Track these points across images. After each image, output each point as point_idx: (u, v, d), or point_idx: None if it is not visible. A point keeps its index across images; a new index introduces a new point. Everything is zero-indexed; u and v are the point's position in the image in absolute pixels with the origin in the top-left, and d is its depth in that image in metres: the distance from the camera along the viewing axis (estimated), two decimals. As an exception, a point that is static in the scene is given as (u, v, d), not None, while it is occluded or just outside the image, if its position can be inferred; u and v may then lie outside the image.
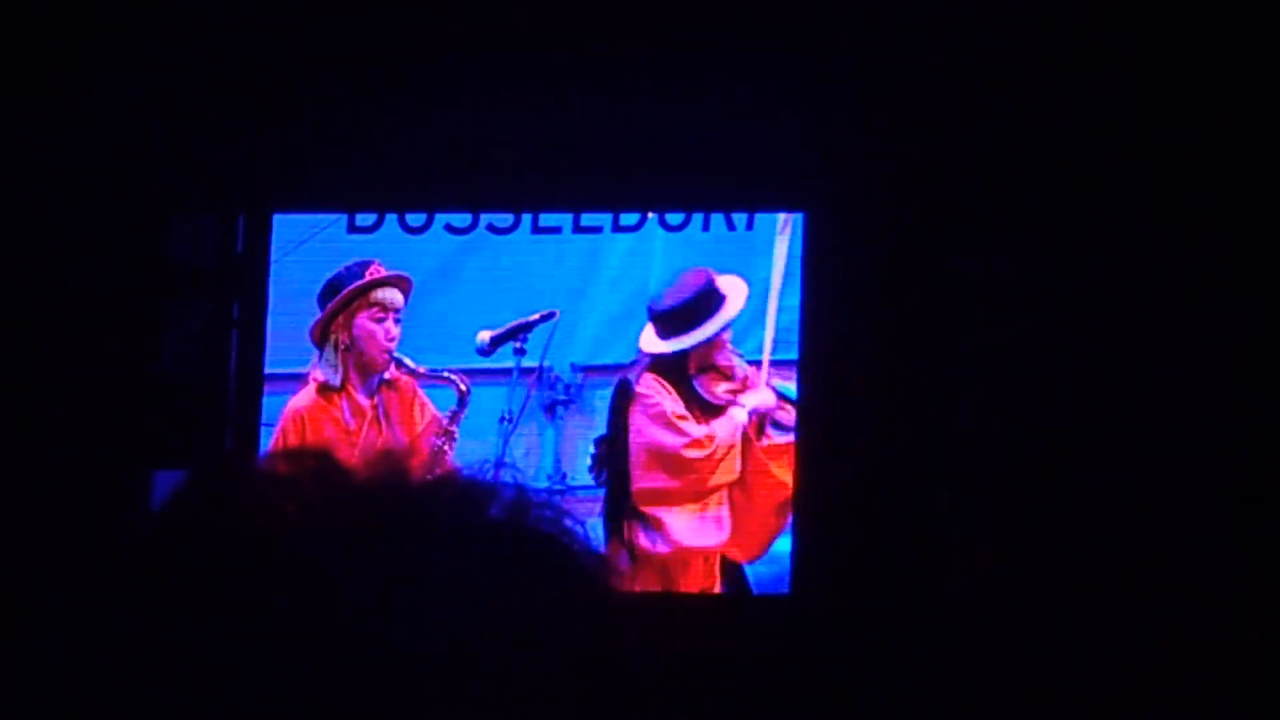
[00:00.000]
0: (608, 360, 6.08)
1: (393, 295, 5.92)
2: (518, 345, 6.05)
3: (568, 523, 1.26)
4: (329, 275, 5.96)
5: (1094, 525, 4.46)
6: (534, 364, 6.04)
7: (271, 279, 5.75)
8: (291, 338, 5.97)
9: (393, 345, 5.95)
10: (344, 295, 5.84)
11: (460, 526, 1.22)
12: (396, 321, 5.95)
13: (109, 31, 4.93)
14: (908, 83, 4.61)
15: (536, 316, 6.03)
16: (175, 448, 4.98)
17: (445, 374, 5.96)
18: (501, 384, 6.04)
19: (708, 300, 5.54)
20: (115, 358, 5.00)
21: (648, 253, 5.96)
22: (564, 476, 6.31)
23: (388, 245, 6.01)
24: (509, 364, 6.05)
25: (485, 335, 6.04)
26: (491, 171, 5.18)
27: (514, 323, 6.07)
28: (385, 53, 5.02)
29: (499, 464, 1.33)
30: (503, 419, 6.08)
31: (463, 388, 5.91)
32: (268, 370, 5.82)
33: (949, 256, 4.60)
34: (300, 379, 6.00)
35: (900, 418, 4.62)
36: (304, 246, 5.95)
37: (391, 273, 5.92)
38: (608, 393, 6.26)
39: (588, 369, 6.08)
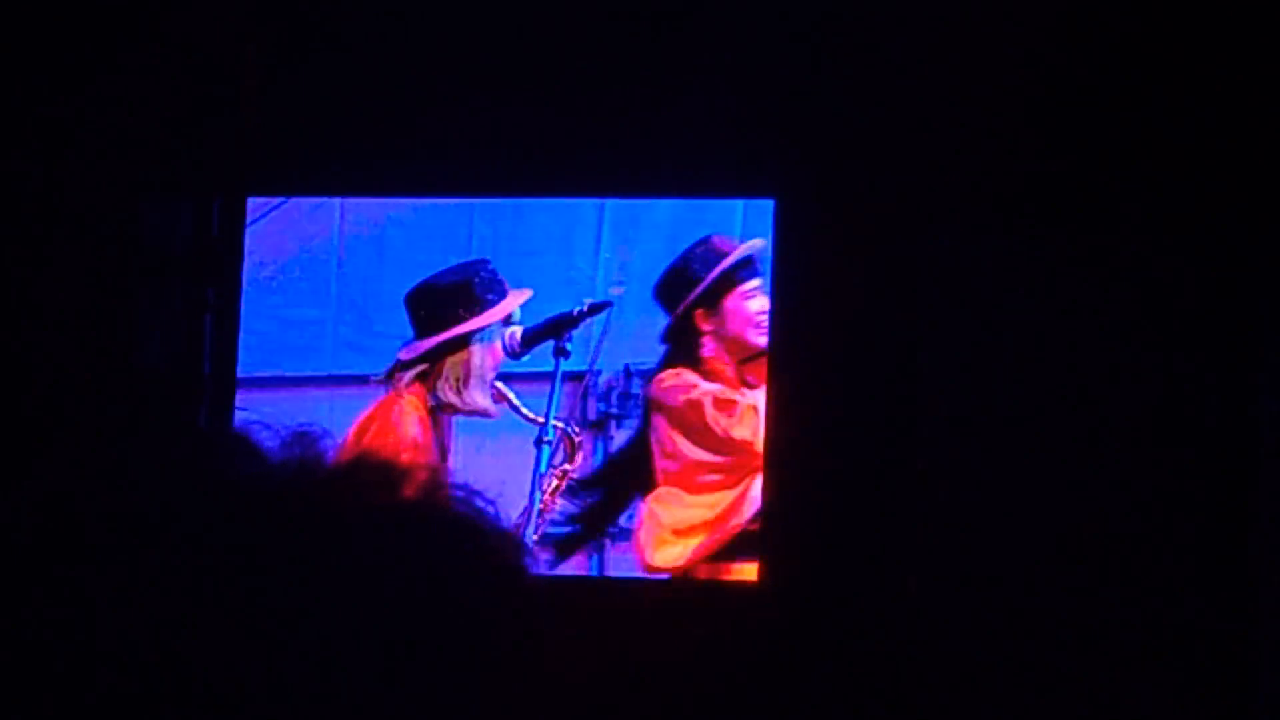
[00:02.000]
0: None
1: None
2: (559, 344, 5.06)
3: (479, 502, 1.28)
4: (442, 276, 5.11)
5: (1069, 515, 4.51)
6: (580, 368, 5.09)
7: (248, 252, 5.13)
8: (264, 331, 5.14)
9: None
10: (473, 324, 5.06)
11: (374, 507, 1.24)
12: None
13: (82, 15, 4.91)
14: (881, 68, 4.63)
15: (584, 307, 5.06)
16: (149, 433, 4.09)
17: (556, 422, 5.03)
18: (538, 394, 5.07)
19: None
20: (89, 343, 4.95)
21: (727, 225, 5.04)
22: (618, 513, 5.01)
23: (387, 206, 5.16)
24: (546, 368, 5.08)
25: (516, 331, 5.10)
26: (461, 154, 4.91)
27: (555, 315, 5.09)
28: (361, 34, 4.91)
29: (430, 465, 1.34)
30: (540, 439, 5.07)
31: (576, 440, 5.04)
32: (270, 374, 5.14)
33: (923, 244, 4.61)
34: (288, 382, 5.14)
35: (872, 408, 4.63)
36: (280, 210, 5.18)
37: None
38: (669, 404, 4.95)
39: (647, 375, 5.11)
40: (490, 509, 1.27)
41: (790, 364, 4.78)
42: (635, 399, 5.09)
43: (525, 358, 5.06)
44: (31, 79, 4.89)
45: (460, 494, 1.27)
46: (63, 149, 4.90)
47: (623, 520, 5.08)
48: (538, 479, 4.99)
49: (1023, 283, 4.61)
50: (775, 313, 4.83)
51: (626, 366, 5.09)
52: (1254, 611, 4.48)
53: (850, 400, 4.67)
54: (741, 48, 4.76)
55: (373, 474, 1.26)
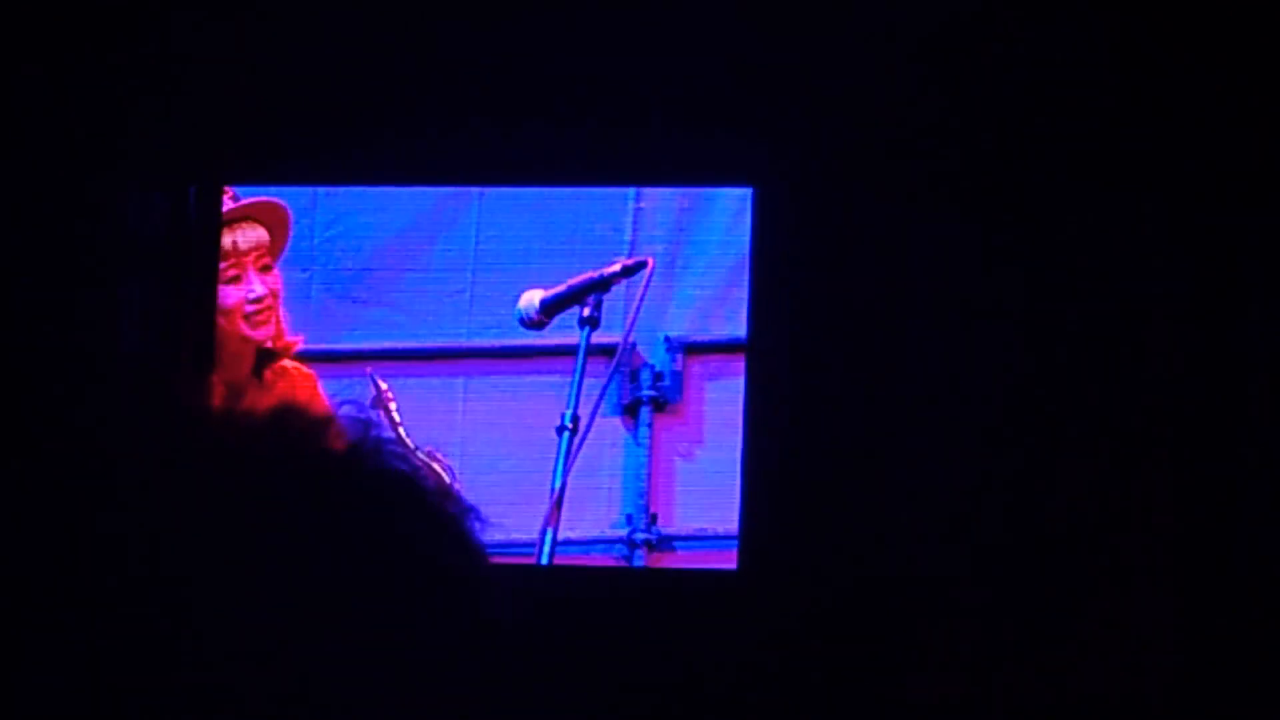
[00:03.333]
0: (722, 335, 4.43)
1: (248, 235, 4.53)
2: (587, 312, 4.36)
3: (416, 461, 1.28)
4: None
5: (1047, 502, 4.57)
6: (613, 339, 4.41)
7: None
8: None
9: (261, 307, 4.49)
10: None
11: (301, 456, 1.26)
12: (265, 269, 4.51)
13: (59, 4, 4.88)
14: (861, 55, 4.61)
15: (616, 266, 4.38)
16: (126, 421, 4.16)
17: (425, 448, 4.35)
18: (559, 373, 4.36)
19: None
20: (67, 332, 4.87)
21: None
22: (653, 519, 4.18)
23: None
24: (569, 339, 4.39)
25: (534, 297, 4.40)
26: (438, 142, 4.71)
27: (580, 277, 4.38)
28: (339, 22, 4.78)
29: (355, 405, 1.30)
30: (562, 426, 4.35)
31: (441, 470, 4.35)
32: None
33: (901, 232, 4.61)
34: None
35: (852, 396, 4.58)
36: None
37: (246, 201, 4.57)
38: (720, 385, 4.19)
39: (691, 348, 4.42)
40: (425, 467, 1.29)
41: (768, 352, 4.53)
42: (677, 378, 4.28)
43: (546, 327, 4.26)
44: (8, 70, 4.85)
45: (399, 450, 1.26)
46: (39, 139, 4.85)
47: (661, 527, 4.30)
48: (565, 468, 4.17)
49: (1003, 272, 4.56)
50: (753, 301, 4.48)
51: (667, 339, 4.30)
52: (1242, 605, 4.48)
53: (829, 389, 4.56)
54: (720, 36, 4.62)
55: (299, 424, 1.27)
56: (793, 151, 4.60)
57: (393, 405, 4.33)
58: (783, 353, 4.54)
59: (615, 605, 4.45)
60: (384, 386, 4.35)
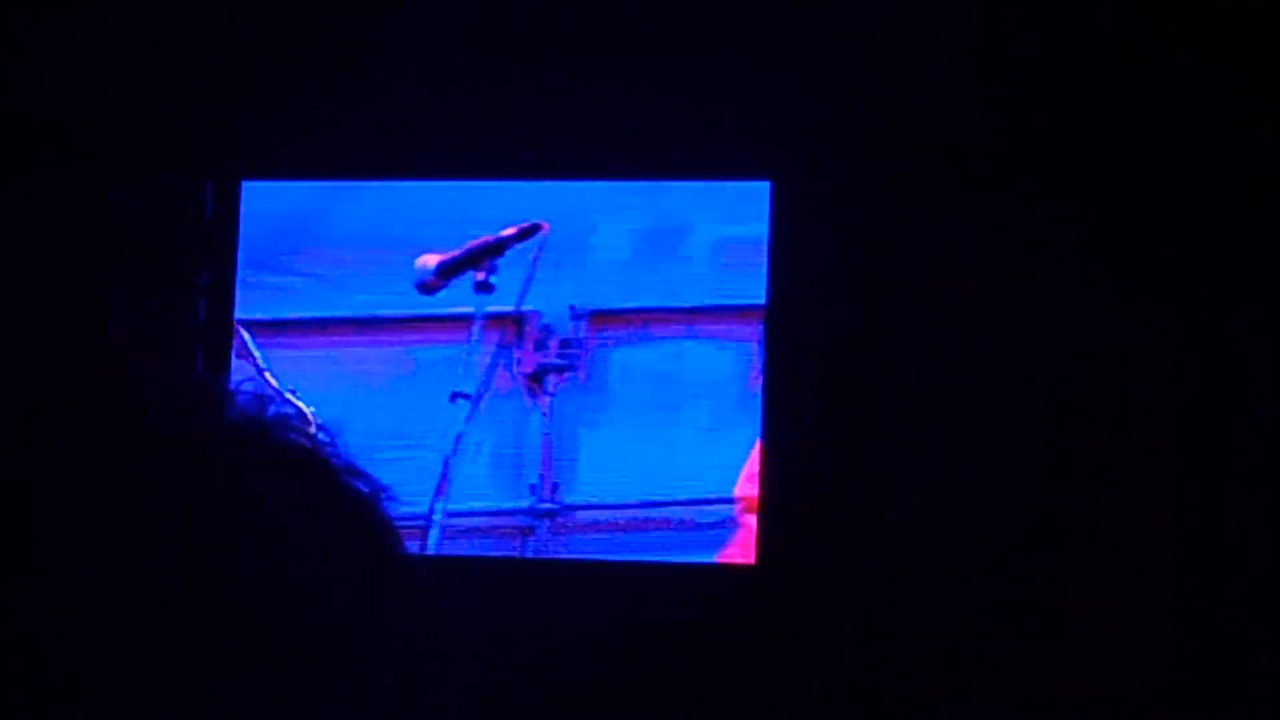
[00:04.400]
0: (630, 303, 4.33)
1: None
2: (481, 277, 4.28)
3: (308, 428, 1.25)
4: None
5: (1058, 501, 4.63)
6: (509, 307, 4.33)
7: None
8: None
9: None
10: None
11: (210, 434, 1.22)
12: None
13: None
14: (876, 48, 4.69)
15: (512, 230, 4.31)
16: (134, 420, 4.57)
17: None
18: (455, 342, 4.29)
19: None
20: (74, 329, 4.91)
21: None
22: (554, 489, 4.05)
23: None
24: (466, 308, 4.33)
25: (429, 261, 4.35)
26: (455, 136, 4.70)
27: (475, 241, 4.29)
28: (355, 14, 4.82)
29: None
30: (455, 396, 4.26)
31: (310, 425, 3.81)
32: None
33: (918, 227, 4.69)
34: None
35: (868, 390, 4.69)
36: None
37: None
38: (625, 353, 4.06)
39: (596, 316, 4.32)
40: (313, 432, 1.24)
41: (785, 347, 4.62)
42: (582, 345, 4.16)
43: (440, 292, 4.16)
44: (13, 58, 4.91)
45: (299, 425, 1.23)
46: (49, 131, 4.90)
47: (563, 496, 4.17)
48: (459, 437, 4.07)
49: (1018, 267, 4.63)
50: (770, 295, 4.54)
51: (572, 307, 4.20)
52: (1234, 598, 4.52)
53: (846, 382, 4.64)
54: (736, 28, 4.66)
55: (196, 398, 1.26)
56: (810, 145, 4.63)
57: (257, 354, 4.27)
58: (800, 347, 4.61)
59: (634, 599, 4.44)
60: (245, 336, 4.29)
